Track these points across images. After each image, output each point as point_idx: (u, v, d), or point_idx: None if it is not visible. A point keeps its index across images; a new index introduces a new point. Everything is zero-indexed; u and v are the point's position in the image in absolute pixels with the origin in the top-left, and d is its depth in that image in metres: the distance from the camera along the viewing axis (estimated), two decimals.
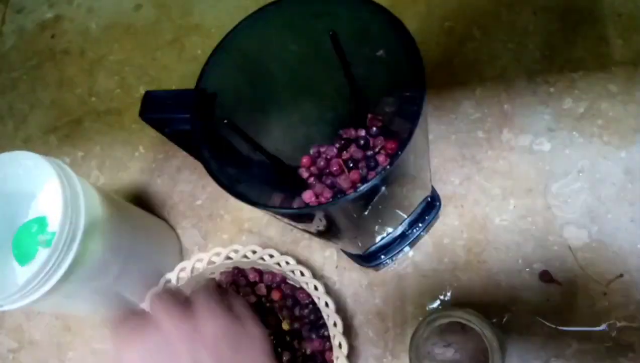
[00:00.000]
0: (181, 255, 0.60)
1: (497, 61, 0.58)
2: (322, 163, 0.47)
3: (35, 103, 0.75)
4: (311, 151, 0.49)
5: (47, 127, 0.73)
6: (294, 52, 0.42)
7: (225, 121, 0.36)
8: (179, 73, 0.70)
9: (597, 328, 0.46)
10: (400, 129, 0.47)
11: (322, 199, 0.46)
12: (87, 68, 0.75)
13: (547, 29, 0.57)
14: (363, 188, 0.28)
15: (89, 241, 0.44)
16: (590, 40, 0.55)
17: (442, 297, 0.50)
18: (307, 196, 0.46)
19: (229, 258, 0.51)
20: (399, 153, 0.28)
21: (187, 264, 0.50)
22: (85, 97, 0.73)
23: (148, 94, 0.35)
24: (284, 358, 0.48)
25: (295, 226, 0.40)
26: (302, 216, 0.35)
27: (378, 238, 0.48)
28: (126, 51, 0.74)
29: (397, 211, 0.46)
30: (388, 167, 0.28)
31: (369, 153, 0.47)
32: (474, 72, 0.58)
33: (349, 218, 0.37)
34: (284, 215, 0.34)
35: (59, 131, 0.72)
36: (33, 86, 0.77)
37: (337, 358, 0.44)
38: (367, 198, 0.33)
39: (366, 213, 0.37)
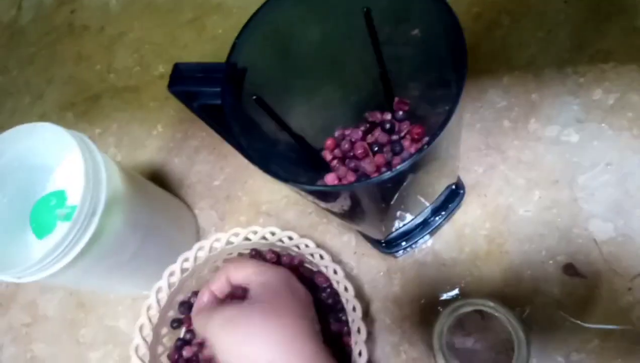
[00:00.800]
0: (198, 235, 0.59)
1: (525, 49, 0.56)
2: (346, 146, 0.46)
3: (53, 79, 0.75)
4: (335, 134, 0.48)
5: (64, 103, 0.72)
6: (323, 31, 0.41)
7: (254, 98, 0.35)
8: (199, 52, 0.69)
9: (619, 327, 0.45)
10: (427, 114, 0.46)
11: (345, 183, 0.45)
12: (106, 45, 0.75)
13: (578, 18, 0.56)
14: (402, 166, 0.27)
15: (108, 216, 0.43)
16: (622, 30, 0.54)
17: (461, 286, 0.49)
18: (330, 178, 0.45)
19: (247, 239, 0.50)
20: (438, 132, 0.27)
21: (205, 243, 0.50)
22: (103, 74, 0.73)
23: (177, 66, 0.34)
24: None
25: (318, 205, 0.39)
26: (328, 195, 0.34)
27: (400, 224, 0.48)
28: (146, 29, 0.73)
29: (420, 198, 0.46)
30: (426, 147, 0.27)
31: (394, 137, 0.46)
32: (502, 60, 0.57)
33: (375, 202, 0.37)
34: (313, 193, 0.33)
35: (76, 108, 0.71)
36: (51, 62, 0.76)
37: (356, 343, 0.43)
38: (398, 181, 0.32)
39: (395, 197, 0.36)
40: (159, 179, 0.63)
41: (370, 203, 0.36)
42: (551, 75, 0.54)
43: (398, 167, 0.27)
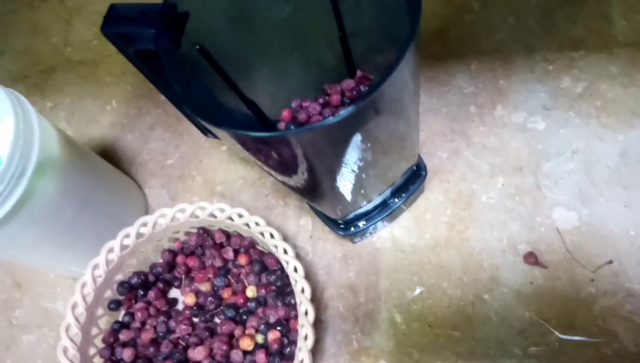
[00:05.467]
0: (146, 214, 0.56)
1: (495, 35, 0.55)
2: (303, 116, 0.43)
3: (6, 50, 0.71)
4: (293, 105, 0.45)
5: (17, 75, 0.68)
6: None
7: (198, 47, 0.32)
8: None
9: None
10: None
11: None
12: (65, 17, 0.71)
13: (549, 5, 0.55)
14: (345, 111, 0.25)
15: (40, 179, 0.40)
16: (593, 19, 0.53)
17: (424, 285, 0.47)
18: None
19: (195, 216, 0.47)
20: (382, 81, 0.25)
21: (148, 219, 0.47)
22: (60, 46, 0.69)
23: (112, 7, 0.31)
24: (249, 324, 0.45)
25: (273, 176, 0.36)
26: (268, 148, 0.31)
27: (359, 206, 0.45)
28: (108, 1, 0.70)
29: (379, 182, 0.43)
30: (376, 91, 0.25)
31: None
32: (471, 45, 0.55)
33: (325, 166, 0.34)
34: (252, 146, 0.31)
35: (29, 80, 0.68)
36: (6, 32, 0.72)
37: (302, 326, 0.40)
38: (347, 134, 0.29)
39: (345, 160, 0.33)
40: (110, 155, 0.59)
41: (320, 163, 0.33)
42: (519, 61, 0.53)
43: (342, 111, 0.25)
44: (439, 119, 0.53)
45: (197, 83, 0.36)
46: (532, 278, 0.45)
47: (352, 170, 0.37)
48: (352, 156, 0.34)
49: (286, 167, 0.34)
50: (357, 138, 0.32)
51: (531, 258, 0.45)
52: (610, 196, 0.46)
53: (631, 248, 0.44)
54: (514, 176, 0.48)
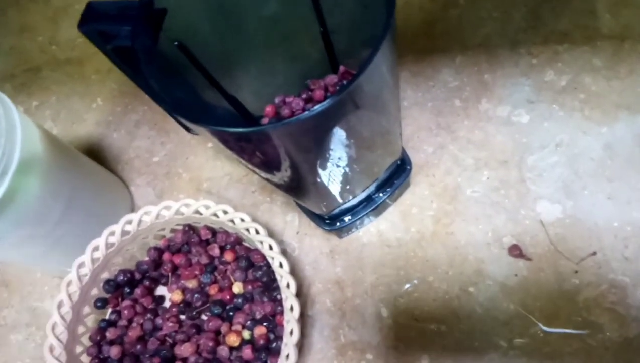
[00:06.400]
0: (133, 212, 0.56)
1: (480, 29, 0.55)
2: (286, 112, 0.43)
3: None
4: (276, 100, 0.45)
5: (3, 74, 0.68)
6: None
7: (176, 44, 0.32)
8: None
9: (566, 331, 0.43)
10: None
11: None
12: (51, 16, 0.71)
13: (535, 0, 0.55)
14: (321, 105, 0.25)
15: (23, 178, 0.40)
16: (578, 13, 0.53)
17: (415, 282, 0.47)
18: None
19: (180, 213, 0.47)
20: (360, 72, 0.25)
21: (133, 216, 0.46)
22: (46, 45, 0.69)
23: (89, 5, 0.31)
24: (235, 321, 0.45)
25: (257, 173, 0.36)
26: (250, 146, 0.31)
27: (343, 201, 0.45)
28: None
29: (364, 178, 0.43)
30: (352, 84, 0.25)
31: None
32: (456, 39, 0.55)
33: (308, 163, 0.34)
34: (232, 143, 0.31)
35: (15, 79, 0.67)
36: None
37: (288, 321, 0.40)
38: (326, 128, 0.29)
39: (327, 155, 0.34)
40: (96, 153, 0.59)
41: (300, 158, 0.33)
42: (504, 55, 0.53)
43: (315, 107, 0.25)
44: (424, 113, 0.53)
45: (179, 80, 0.36)
46: (517, 271, 0.45)
47: (335, 165, 0.37)
48: (334, 151, 0.34)
49: (267, 163, 0.34)
50: (337, 133, 0.32)
51: (515, 251, 0.45)
52: (593, 188, 0.46)
53: (615, 240, 0.44)
54: (499, 170, 0.49)
